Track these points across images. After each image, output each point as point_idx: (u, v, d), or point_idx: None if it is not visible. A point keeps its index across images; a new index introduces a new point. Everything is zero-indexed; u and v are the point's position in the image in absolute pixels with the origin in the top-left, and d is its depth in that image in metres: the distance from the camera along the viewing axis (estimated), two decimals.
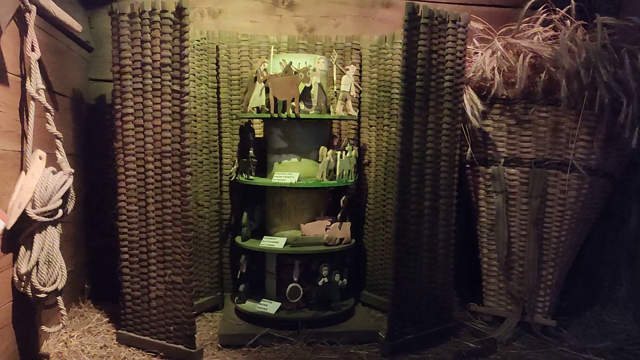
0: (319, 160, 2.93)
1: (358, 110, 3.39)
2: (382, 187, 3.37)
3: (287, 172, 2.97)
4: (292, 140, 3.01)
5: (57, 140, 2.48)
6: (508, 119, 3.02)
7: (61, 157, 2.50)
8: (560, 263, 3.03)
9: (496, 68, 2.86)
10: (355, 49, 3.42)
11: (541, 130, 2.95)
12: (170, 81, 2.58)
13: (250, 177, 3.07)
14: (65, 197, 2.44)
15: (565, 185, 2.93)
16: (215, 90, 3.33)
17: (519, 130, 3.01)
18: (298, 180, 2.92)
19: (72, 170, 2.48)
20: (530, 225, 3.02)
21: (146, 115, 2.63)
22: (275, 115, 2.87)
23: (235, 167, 3.19)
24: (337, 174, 2.95)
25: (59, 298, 2.50)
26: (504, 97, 2.99)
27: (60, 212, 2.41)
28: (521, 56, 2.77)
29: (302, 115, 2.88)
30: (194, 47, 3.16)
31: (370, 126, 3.42)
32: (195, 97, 3.18)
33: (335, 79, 3.19)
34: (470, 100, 2.91)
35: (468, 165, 3.19)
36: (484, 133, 3.08)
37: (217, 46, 3.31)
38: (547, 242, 3.03)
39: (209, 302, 3.38)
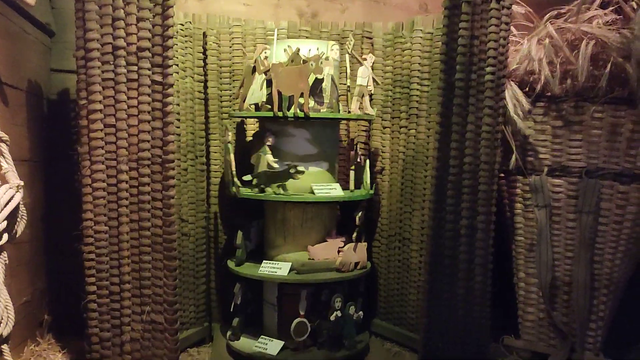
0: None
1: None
2: (399, 199, 2.89)
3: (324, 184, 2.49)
4: (300, 144, 2.50)
5: (1, 144, 1.93)
6: (553, 120, 2.56)
7: (7, 165, 1.94)
8: (614, 290, 2.58)
9: (544, 58, 2.39)
10: (367, 37, 2.92)
11: (595, 133, 2.50)
12: (149, 70, 2.09)
13: (283, 190, 2.49)
14: (12, 216, 1.90)
15: (624, 199, 2.47)
16: (202, 84, 2.81)
17: (567, 134, 2.55)
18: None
19: (21, 183, 1.93)
20: (579, 246, 2.56)
21: (119, 113, 2.12)
22: (280, 114, 2.35)
23: (233, 180, 2.55)
24: (365, 182, 2.45)
25: (5, 346, 1.95)
26: (549, 94, 2.52)
27: (5, 236, 1.87)
28: (584, 43, 2.30)
29: (312, 114, 2.37)
30: (177, 32, 2.63)
31: (384, 128, 2.93)
32: (178, 92, 2.65)
33: (349, 70, 2.68)
34: (514, 98, 2.45)
35: (502, 175, 2.71)
36: (524, 137, 2.61)
37: (204, 32, 2.80)
38: (598, 266, 2.57)
39: (195, 335, 2.86)
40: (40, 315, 2.84)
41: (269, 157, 2.44)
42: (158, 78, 2.06)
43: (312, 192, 2.48)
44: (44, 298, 2.89)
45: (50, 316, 2.90)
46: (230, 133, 2.50)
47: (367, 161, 2.50)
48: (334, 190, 2.48)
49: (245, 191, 2.53)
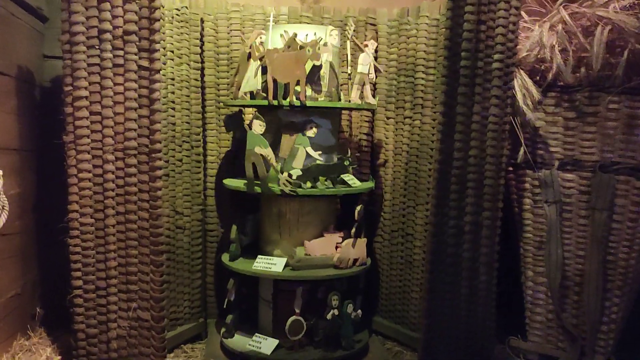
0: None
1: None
2: (402, 193, 2.76)
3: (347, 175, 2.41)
4: (325, 135, 2.41)
5: None
6: (566, 112, 2.42)
7: None
8: (628, 292, 2.44)
9: (557, 45, 2.25)
10: (371, 24, 2.79)
11: (610, 125, 2.35)
12: (136, 55, 1.98)
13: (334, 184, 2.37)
14: None
15: None
16: (199, 72, 2.69)
17: (580, 126, 2.41)
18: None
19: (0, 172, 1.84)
20: (592, 245, 2.42)
21: (105, 100, 2.02)
22: (275, 103, 2.24)
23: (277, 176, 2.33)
24: None
25: None
26: (561, 83, 2.38)
27: None
28: (599, 28, 2.15)
29: (309, 103, 2.25)
30: (172, 17, 2.52)
31: (388, 118, 2.79)
32: (173, 79, 2.54)
33: (349, 58, 2.56)
34: (523, 87, 2.30)
35: (511, 169, 2.58)
36: (534, 128, 2.47)
37: (201, 18, 2.68)
38: (612, 266, 2.43)
39: (190, 331, 2.75)
40: (32, 309, 2.77)
41: (311, 150, 2.31)
42: (145, 63, 1.95)
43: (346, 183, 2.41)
44: (36, 291, 2.82)
45: (43, 309, 2.83)
46: (261, 123, 2.28)
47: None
48: (352, 181, 2.39)
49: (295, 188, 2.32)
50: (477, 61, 2.10)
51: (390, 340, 2.84)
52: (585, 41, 2.21)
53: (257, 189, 2.31)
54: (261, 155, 2.27)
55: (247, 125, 2.31)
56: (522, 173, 2.56)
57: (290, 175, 2.30)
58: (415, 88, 2.66)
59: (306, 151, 2.32)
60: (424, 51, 2.61)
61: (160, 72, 2.04)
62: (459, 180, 2.14)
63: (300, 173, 2.31)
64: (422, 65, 2.62)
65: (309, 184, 2.31)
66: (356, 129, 2.86)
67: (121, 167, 2.04)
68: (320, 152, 2.35)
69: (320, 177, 2.34)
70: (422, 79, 2.63)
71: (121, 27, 1.96)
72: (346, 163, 2.34)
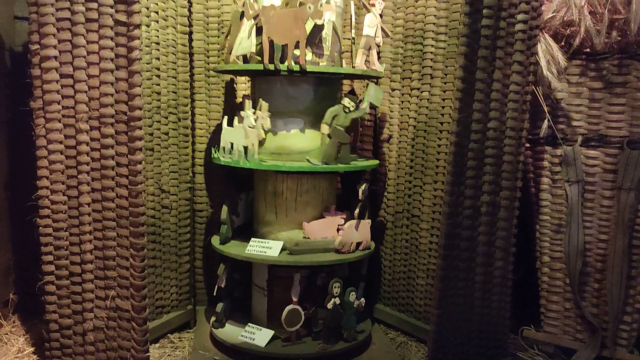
0: None
1: None
2: (407, 172, 2.55)
3: None
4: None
5: None
6: (591, 81, 2.20)
7: None
8: None
9: (586, 6, 2.01)
10: None
11: None
12: (112, 7, 1.75)
13: None
14: None
15: None
16: (187, 36, 2.47)
17: (607, 97, 2.20)
18: None
19: None
20: (616, 228, 2.22)
21: (77, 61, 1.79)
22: (271, 67, 1.99)
23: None
24: None
25: None
26: (588, 50, 2.15)
27: None
28: None
29: (309, 68, 2.01)
30: None
31: (393, 90, 2.57)
32: (158, 44, 2.32)
33: (354, 19, 2.31)
34: (547, 52, 2.08)
35: (528, 144, 2.36)
36: (555, 100, 2.25)
37: None
38: (637, 251, 2.24)
39: (177, 319, 2.56)
40: (5, 295, 2.56)
41: None
42: (122, 17, 1.71)
43: None
44: (10, 275, 2.61)
45: (17, 295, 2.62)
46: None
47: None
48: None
49: None
50: (499, 21, 1.86)
51: (393, 329, 2.67)
52: (620, 1, 1.98)
53: None
54: None
55: None
56: (541, 149, 2.36)
57: None
58: (424, 57, 2.45)
59: None
60: (434, 15, 2.39)
61: (141, 29, 1.79)
62: (476, 156, 1.92)
63: None
64: (432, 31, 2.41)
65: None
66: None
67: (96, 138, 1.80)
68: None
69: None
70: (432, 46, 2.41)
71: None
72: None
